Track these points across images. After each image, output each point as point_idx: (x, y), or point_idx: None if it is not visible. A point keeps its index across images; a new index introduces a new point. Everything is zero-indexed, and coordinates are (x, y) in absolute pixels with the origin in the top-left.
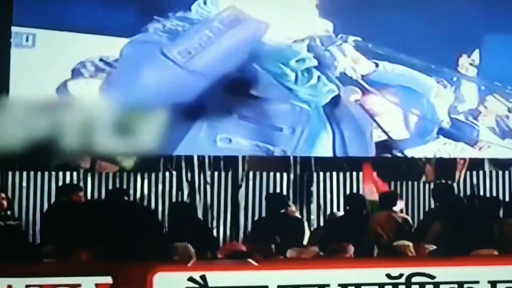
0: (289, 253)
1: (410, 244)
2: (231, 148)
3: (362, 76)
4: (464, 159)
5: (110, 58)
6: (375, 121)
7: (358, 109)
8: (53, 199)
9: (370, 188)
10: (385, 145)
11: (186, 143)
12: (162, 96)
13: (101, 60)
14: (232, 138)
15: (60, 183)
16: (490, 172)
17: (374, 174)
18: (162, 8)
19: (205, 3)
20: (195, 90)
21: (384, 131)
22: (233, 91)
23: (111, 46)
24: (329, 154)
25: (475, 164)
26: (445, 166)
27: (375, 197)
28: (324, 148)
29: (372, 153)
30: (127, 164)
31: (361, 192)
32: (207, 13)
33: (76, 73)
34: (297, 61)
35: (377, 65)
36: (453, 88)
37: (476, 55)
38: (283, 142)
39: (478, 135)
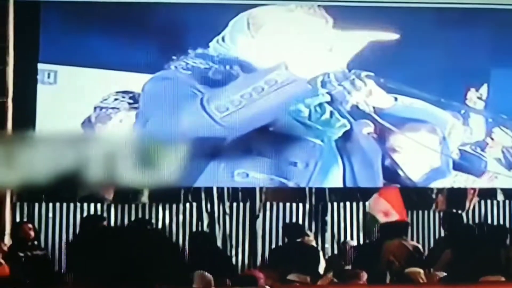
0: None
1: (421, 271)
2: (248, 183)
3: (376, 109)
4: (474, 189)
5: (131, 94)
6: (394, 161)
7: (369, 141)
8: (78, 229)
9: (387, 208)
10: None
11: (205, 176)
12: (188, 138)
13: (123, 95)
14: (249, 173)
15: (85, 214)
16: (503, 202)
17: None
18: (182, 45)
19: (223, 40)
20: (224, 141)
21: (403, 172)
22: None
23: (132, 81)
24: (340, 185)
25: (488, 194)
26: (456, 196)
27: (382, 217)
28: (335, 180)
29: (380, 183)
30: None
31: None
32: (225, 50)
33: (98, 108)
34: (311, 97)
35: (396, 99)
36: (463, 121)
37: (484, 89)
38: (297, 176)
39: (486, 166)
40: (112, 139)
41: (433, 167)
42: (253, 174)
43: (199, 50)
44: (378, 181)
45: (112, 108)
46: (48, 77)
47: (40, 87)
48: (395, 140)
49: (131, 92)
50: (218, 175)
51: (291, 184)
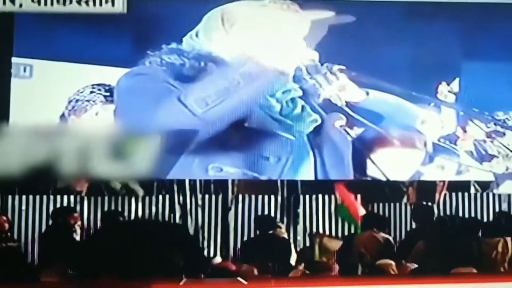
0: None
1: (393, 263)
2: (222, 176)
3: (348, 103)
4: (444, 182)
5: (108, 86)
6: (371, 160)
7: (340, 135)
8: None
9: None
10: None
11: (179, 169)
12: (162, 131)
13: (99, 88)
14: (223, 167)
15: (56, 206)
16: (474, 194)
17: (352, 196)
18: (156, 40)
19: (197, 35)
20: (202, 134)
21: (380, 171)
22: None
23: (108, 75)
24: (311, 178)
25: (461, 186)
26: (426, 189)
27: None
28: (306, 173)
29: (350, 176)
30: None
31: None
32: (198, 45)
33: (74, 100)
34: (283, 92)
35: (367, 93)
36: (435, 114)
37: (455, 82)
38: (269, 170)
39: (458, 159)
40: (86, 132)
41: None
42: (227, 168)
43: (173, 45)
44: (348, 174)
45: (88, 100)
46: (24, 71)
47: (15, 81)
48: (368, 134)
49: (107, 85)
50: (192, 169)
51: (263, 178)
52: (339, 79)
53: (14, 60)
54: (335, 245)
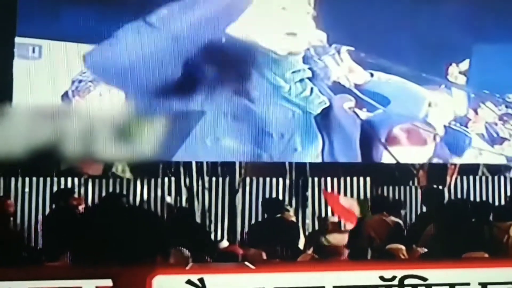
0: None
1: (403, 247)
2: (219, 147)
3: (356, 85)
4: (455, 165)
5: None
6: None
7: (349, 117)
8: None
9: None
10: None
11: (184, 151)
12: (147, 64)
13: None
14: (220, 138)
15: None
16: (486, 178)
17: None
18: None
19: None
20: (179, 57)
21: (390, 154)
22: (230, 93)
23: None
24: (319, 160)
25: (471, 170)
26: (437, 171)
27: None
28: (313, 155)
29: (358, 159)
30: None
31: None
32: None
33: (77, 80)
34: (292, 72)
35: (372, 75)
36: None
37: (465, 64)
38: (271, 146)
39: (470, 142)
40: (91, 113)
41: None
42: (225, 140)
43: None
44: (356, 157)
45: (91, 81)
46: (33, 51)
47: (23, 62)
48: (377, 117)
49: None
50: (191, 143)
51: (264, 154)
52: (344, 60)
53: (22, 40)
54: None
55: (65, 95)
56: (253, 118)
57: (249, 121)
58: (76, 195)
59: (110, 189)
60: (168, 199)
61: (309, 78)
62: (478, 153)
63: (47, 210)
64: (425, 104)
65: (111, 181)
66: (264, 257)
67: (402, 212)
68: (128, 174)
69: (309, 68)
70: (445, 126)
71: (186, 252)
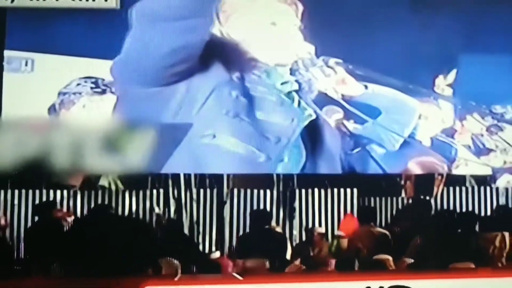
0: None
1: (390, 257)
2: (215, 145)
3: (348, 97)
4: (442, 175)
5: (94, 79)
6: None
7: (335, 129)
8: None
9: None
10: None
11: (172, 162)
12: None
13: (85, 80)
14: (216, 134)
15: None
16: (472, 188)
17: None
18: None
19: None
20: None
21: (378, 165)
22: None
23: (100, 68)
24: (298, 172)
25: (457, 181)
26: (424, 182)
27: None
28: (296, 166)
29: (338, 171)
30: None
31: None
32: None
33: (62, 93)
34: (281, 83)
35: (366, 87)
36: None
37: (452, 75)
38: (268, 148)
39: (456, 153)
40: (77, 125)
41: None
42: (221, 136)
43: None
44: (337, 169)
45: (74, 93)
46: (26, 65)
47: (15, 76)
48: (366, 127)
49: (93, 78)
50: (188, 139)
51: (261, 154)
52: (337, 73)
53: (14, 53)
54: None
55: (52, 108)
56: (253, 119)
57: (248, 121)
58: (60, 207)
59: (99, 201)
60: (157, 209)
61: (295, 91)
62: (464, 164)
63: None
64: (416, 116)
65: (100, 193)
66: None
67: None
68: (115, 187)
69: (296, 81)
70: (431, 138)
71: (176, 262)
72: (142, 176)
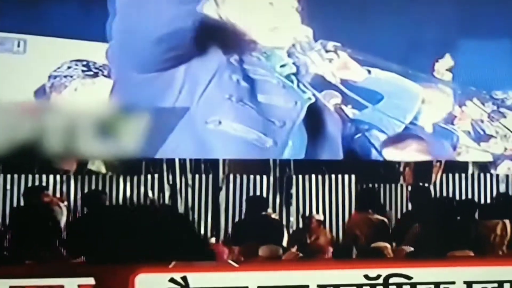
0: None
1: (388, 245)
2: (221, 130)
3: (342, 81)
4: (440, 162)
5: (85, 62)
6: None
7: (334, 113)
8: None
9: None
10: None
11: (167, 147)
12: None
13: (76, 63)
14: (222, 120)
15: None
16: (472, 175)
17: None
18: None
19: None
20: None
21: (377, 151)
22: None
23: (87, 50)
24: (302, 157)
25: (458, 168)
26: (422, 169)
27: None
28: (299, 151)
29: (341, 157)
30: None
31: None
32: None
33: (52, 76)
34: (281, 66)
35: (369, 72)
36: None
37: (447, 59)
38: (275, 133)
39: (458, 139)
40: (69, 109)
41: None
42: (227, 122)
43: None
44: (339, 155)
45: (66, 76)
46: (18, 46)
47: (5, 56)
48: (365, 113)
49: (84, 61)
50: (192, 124)
51: (269, 140)
52: (340, 57)
53: (6, 35)
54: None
55: (41, 91)
56: (256, 103)
57: (252, 105)
58: (52, 192)
59: (93, 186)
60: (151, 194)
61: (294, 74)
62: (466, 151)
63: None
64: (419, 101)
65: (93, 178)
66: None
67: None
68: (103, 170)
69: (294, 63)
70: (433, 125)
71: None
72: (129, 161)
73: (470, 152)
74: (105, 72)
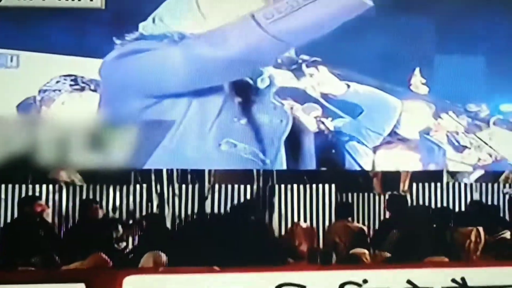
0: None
1: (366, 251)
2: (234, 154)
3: (322, 94)
4: (407, 171)
5: (73, 76)
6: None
7: (314, 126)
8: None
9: None
10: None
11: (155, 159)
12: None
13: (64, 78)
14: (237, 143)
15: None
16: (447, 184)
17: None
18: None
19: (161, 20)
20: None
21: (355, 161)
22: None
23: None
24: (284, 167)
25: (433, 176)
26: (390, 178)
27: None
28: (280, 162)
29: (313, 166)
30: None
31: None
32: (159, 29)
33: (42, 90)
34: (261, 80)
35: (348, 86)
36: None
37: (427, 74)
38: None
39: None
40: (64, 121)
41: None
42: (241, 145)
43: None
44: (312, 164)
45: (54, 90)
46: (11, 60)
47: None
48: (345, 125)
49: (72, 75)
50: (205, 146)
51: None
52: (320, 71)
53: (1, 51)
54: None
55: (25, 105)
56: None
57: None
58: (44, 202)
59: (84, 196)
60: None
61: (273, 87)
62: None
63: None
64: (397, 113)
65: (84, 187)
66: None
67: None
68: (78, 180)
69: (272, 77)
70: (419, 133)
71: (164, 256)
72: (118, 171)
73: (448, 162)
74: (92, 87)
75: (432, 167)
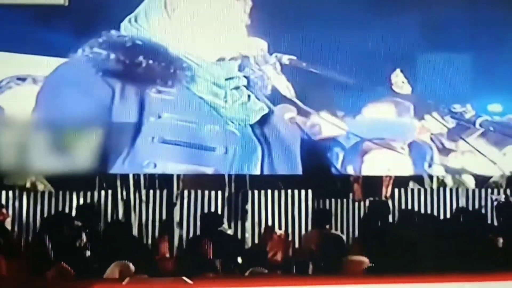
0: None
1: (346, 259)
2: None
3: (297, 93)
4: (390, 176)
5: (21, 76)
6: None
7: (289, 127)
8: None
9: None
10: None
11: (121, 163)
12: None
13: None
14: (157, 162)
15: None
16: (431, 189)
17: None
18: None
19: (136, 20)
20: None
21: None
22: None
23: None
24: (257, 172)
25: (418, 181)
26: (372, 184)
27: None
28: (254, 167)
29: (299, 171)
30: None
31: None
32: (136, 30)
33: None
34: (226, 79)
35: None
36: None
37: (410, 73)
38: (216, 162)
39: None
40: (22, 124)
41: None
42: (164, 163)
43: (113, 32)
44: (297, 169)
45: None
46: None
47: None
48: (320, 126)
49: (21, 75)
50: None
51: (210, 170)
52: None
53: None
54: None
55: None
56: (190, 135)
57: (186, 139)
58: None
59: (46, 202)
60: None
61: (245, 86)
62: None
63: None
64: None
65: (46, 194)
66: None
67: None
68: (42, 187)
69: (245, 76)
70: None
71: (132, 266)
72: (82, 176)
73: (432, 167)
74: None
75: (417, 171)
